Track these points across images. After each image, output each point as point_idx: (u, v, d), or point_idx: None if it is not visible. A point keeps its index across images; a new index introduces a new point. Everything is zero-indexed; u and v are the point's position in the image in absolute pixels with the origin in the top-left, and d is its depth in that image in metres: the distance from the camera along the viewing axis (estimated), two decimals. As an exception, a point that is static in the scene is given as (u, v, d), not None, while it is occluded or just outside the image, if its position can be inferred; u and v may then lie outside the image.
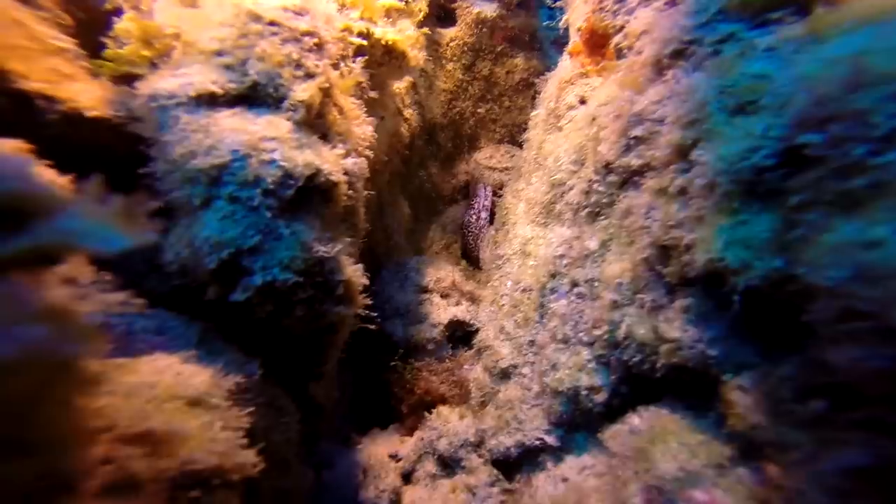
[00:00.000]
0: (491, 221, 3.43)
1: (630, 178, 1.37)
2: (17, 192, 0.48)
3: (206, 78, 1.15)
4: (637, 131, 1.29)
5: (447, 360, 2.48)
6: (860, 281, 0.63)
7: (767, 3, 1.08)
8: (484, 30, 3.53)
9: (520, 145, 3.66)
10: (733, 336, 0.93)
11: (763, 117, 0.85)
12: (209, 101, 1.13)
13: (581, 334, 1.59)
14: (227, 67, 1.19)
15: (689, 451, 0.95)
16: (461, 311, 2.52)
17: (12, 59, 1.10)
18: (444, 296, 2.59)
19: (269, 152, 1.10)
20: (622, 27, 1.69)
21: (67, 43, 1.27)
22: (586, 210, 1.65)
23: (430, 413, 2.19)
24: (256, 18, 1.27)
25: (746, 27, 1.12)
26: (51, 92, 1.14)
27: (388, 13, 2.24)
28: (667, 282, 1.15)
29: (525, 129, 3.57)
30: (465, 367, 2.46)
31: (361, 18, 1.94)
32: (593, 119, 1.70)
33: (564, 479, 1.46)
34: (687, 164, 1.04)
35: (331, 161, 1.25)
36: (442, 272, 2.64)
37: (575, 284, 1.67)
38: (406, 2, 2.46)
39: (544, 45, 3.85)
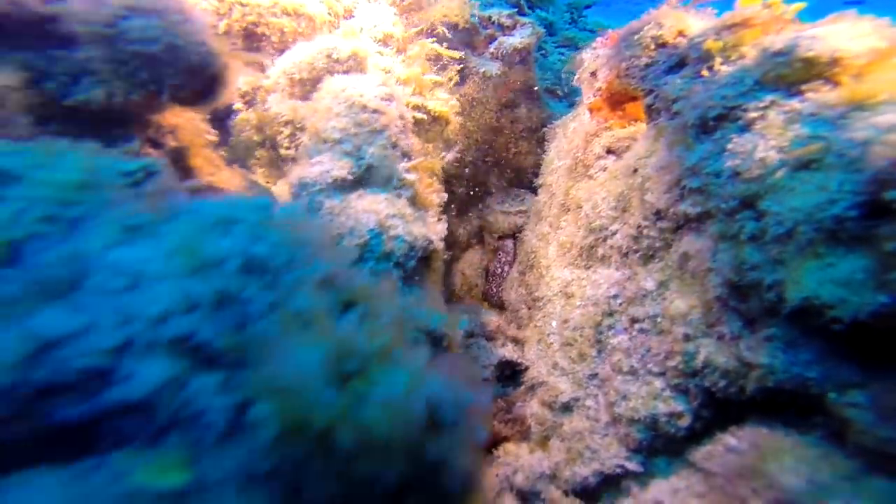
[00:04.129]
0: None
1: (686, 224, 1.57)
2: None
3: (337, 165, 1.32)
4: (691, 183, 1.49)
5: (500, 399, 2.58)
6: None
7: (800, 76, 1.32)
8: (490, 85, 3.81)
9: (529, 188, 3.91)
10: (829, 359, 1.10)
11: (833, 174, 1.05)
12: (342, 185, 1.30)
13: (650, 366, 1.74)
14: (348, 154, 1.37)
15: (810, 465, 1.08)
16: (508, 352, 2.65)
17: (194, 156, 1.25)
18: (489, 339, 2.72)
19: (395, 229, 1.26)
20: (651, 91, 1.94)
21: (213, 135, 1.44)
22: (638, 253, 1.84)
23: (494, 451, 2.27)
24: (364, 108, 1.46)
25: (784, 95, 1.35)
26: (216, 182, 1.30)
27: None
28: (743, 316, 1.33)
29: (534, 173, 3.83)
30: (518, 404, 2.56)
31: (414, 94, 2.16)
32: (635, 171, 1.93)
33: (658, 502, 1.57)
34: (755, 212, 1.23)
35: (434, 231, 1.41)
36: (485, 317, 2.78)
37: (635, 321, 1.84)
38: (437, 74, 2.73)
39: (542, 94, 4.18)
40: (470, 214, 4.03)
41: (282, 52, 1.90)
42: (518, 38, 3.82)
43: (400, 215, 1.30)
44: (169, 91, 1.10)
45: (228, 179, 1.45)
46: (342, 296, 0.59)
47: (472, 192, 4.07)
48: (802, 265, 1.06)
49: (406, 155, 1.50)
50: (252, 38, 1.87)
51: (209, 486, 0.47)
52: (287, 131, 1.72)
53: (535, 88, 4.07)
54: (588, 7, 8.08)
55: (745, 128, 1.36)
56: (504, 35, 3.89)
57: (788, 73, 1.30)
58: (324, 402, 0.44)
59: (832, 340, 1.10)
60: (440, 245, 1.40)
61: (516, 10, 4.35)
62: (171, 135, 1.28)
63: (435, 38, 2.86)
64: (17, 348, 0.46)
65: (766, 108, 1.32)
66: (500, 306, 3.54)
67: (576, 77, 2.90)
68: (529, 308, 2.89)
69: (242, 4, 1.77)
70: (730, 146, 1.36)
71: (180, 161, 1.33)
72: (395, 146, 1.48)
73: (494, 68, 3.69)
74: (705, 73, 1.66)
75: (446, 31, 2.76)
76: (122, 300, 0.52)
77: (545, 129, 3.72)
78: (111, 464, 0.48)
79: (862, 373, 1.07)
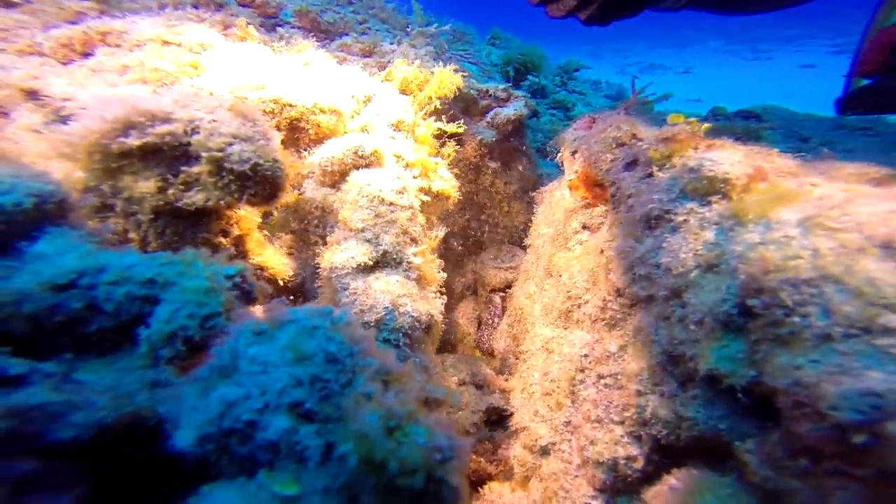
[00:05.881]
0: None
1: (638, 303, 1.95)
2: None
3: (360, 252, 1.70)
4: (640, 270, 1.88)
5: (487, 442, 2.88)
6: (797, 385, 1.18)
7: (707, 190, 1.72)
8: (485, 150, 4.30)
9: (519, 244, 4.32)
10: (734, 415, 1.45)
11: (724, 278, 1.44)
12: (363, 269, 1.68)
13: (612, 415, 2.07)
14: (369, 241, 1.76)
15: (723, 501, 1.42)
16: (495, 399, 2.97)
17: (249, 241, 1.63)
18: (479, 387, 3.05)
19: (404, 306, 1.63)
20: (614, 183, 2.36)
21: (258, 215, 1.82)
22: (603, 322, 2.21)
23: (481, 490, 2.56)
24: (382, 202, 1.86)
25: (699, 204, 1.75)
26: (260, 262, 1.67)
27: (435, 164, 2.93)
28: (677, 378, 1.69)
29: (524, 231, 4.27)
30: (503, 446, 2.86)
31: (421, 176, 2.58)
32: (601, 251, 2.33)
33: (617, 535, 1.87)
34: (681, 301, 1.61)
35: (435, 306, 1.78)
36: (475, 367, 3.12)
37: (601, 377, 2.18)
38: (438, 150, 3.18)
39: (533, 157, 4.68)
40: (465, 269, 4.43)
41: (317, 141, 2.33)
42: (512, 110, 4.34)
43: (408, 295, 1.67)
44: (246, 197, 1.49)
45: (271, 258, 1.83)
46: (385, 378, 0.95)
47: (467, 247, 4.49)
48: (709, 344, 1.44)
49: (414, 240, 1.88)
50: (294, 130, 2.30)
51: (308, 495, 0.82)
52: (317, 213, 2.11)
53: (527, 152, 4.56)
54: (577, 70, 8.80)
55: (675, 229, 1.76)
56: (499, 106, 4.42)
57: (699, 187, 1.71)
58: (380, 445, 0.79)
59: (736, 400, 1.46)
60: (439, 318, 1.77)
61: (510, 84, 4.92)
62: (236, 224, 1.67)
63: (436, 115, 3.34)
64: (216, 408, 0.82)
65: (687, 213, 1.73)
66: (490, 354, 3.89)
67: (558, 155, 3.36)
68: (516, 358, 3.23)
69: (291, 106, 2.20)
70: (664, 244, 1.76)
71: (240, 245, 1.71)
72: (405, 233, 1.86)
73: (490, 136, 4.19)
74: (656, 172, 2.08)
75: (440, 104, 3.24)
76: (260, 379, 0.88)
77: (535, 192, 4.17)
78: (258, 480, 0.83)
79: (755, 425, 1.43)
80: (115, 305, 0.98)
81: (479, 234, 4.59)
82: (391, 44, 4.47)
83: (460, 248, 4.55)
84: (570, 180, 3.02)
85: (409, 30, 5.27)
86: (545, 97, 7.56)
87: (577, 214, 2.81)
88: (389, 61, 3.75)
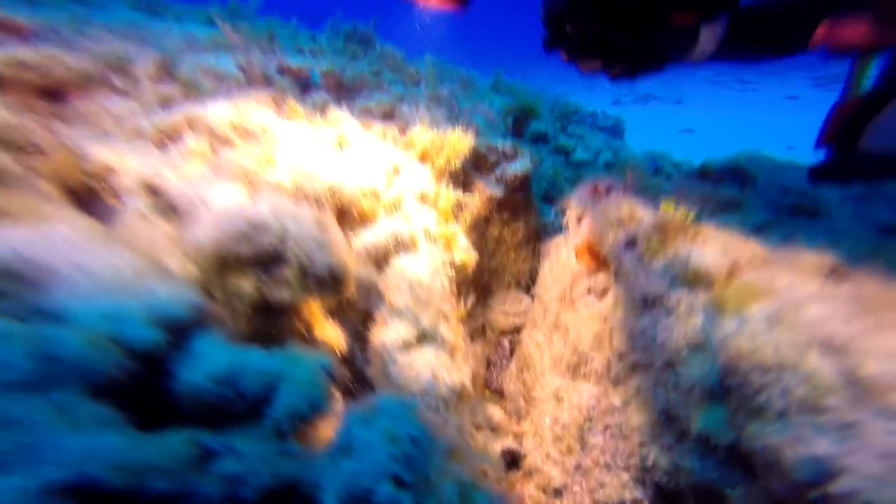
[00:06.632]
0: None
1: (638, 368, 2.29)
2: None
3: (403, 330, 2.05)
4: (639, 343, 2.23)
5: (503, 482, 3.17)
6: (765, 449, 1.51)
7: (694, 279, 2.09)
8: (494, 204, 4.68)
9: (525, 290, 4.67)
10: (723, 466, 1.78)
11: (708, 358, 1.80)
12: (407, 345, 2.02)
13: (619, 461, 2.38)
14: (409, 321, 2.11)
15: None
16: (510, 442, 3.27)
17: (315, 324, 1.97)
18: (493, 430, 3.35)
19: (442, 377, 1.97)
20: (616, 260, 2.72)
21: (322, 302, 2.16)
22: (609, 378, 2.54)
23: (500, 530, 2.84)
24: (420, 285, 2.22)
25: (688, 292, 2.10)
26: (325, 339, 2.01)
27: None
28: (674, 433, 2.02)
29: (531, 278, 4.62)
30: (518, 486, 3.15)
31: (446, 249, 2.95)
32: (605, 318, 2.68)
33: (624, 571, 2.16)
34: (675, 372, 1.96)
35: (465, 374, 2.13)
36: (489, 410, 3.43)
37: (607, 427, 2.50)
38: (456, 217, 3.58)
39: (537, 207, 5.07)
40: (475, 313, 4.77)
41: (360, 222, 2.70)
42: (519, 166, 4.75)
43: (444, 366, 2.01)
44: (321, 293, 1.85)
45: (330, 332, 2.17)
46: (450, 452, 1.29)
47: (476, 295, 4.84)
48: (698, 410, 1.78)
49: (445, 317, 2.24)
50: (342, 213, 2.67)
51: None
52: (363, 291, 2.46)
53: (532, 203, 4.96)
54: (575, 112, 9.33)
55: (669, 312, 2.11)
56: (507, 162, 4.84)
57: (687, 277, 2.08)
58: (461, 509, 1.13)
59: (726, 453, 1.79)
60: (469, 385, 2.11)
61: (511, 134, 5.33)
62: (307, 310, 2.02)
63: (452, 178, 3.72)
64: (347, 477, 1.16)
65: (679, 299, 2.09)
66: (500, 394, 4.20)
67: (563, 220, 3.74)
68: (526, 402, 3.54)
69: (341, 193, 2.57)
70: (660, 324, 2.11)
71: (308, 325, 2.06)
72: (438, 311, 2.22)
73: (499, 190, 4.58)
74: (651, 258, 2.44)
75: (458, 163, 3.64)
76: (370, 455, 1.23)
77: (539, 240, 4.52)
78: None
79: (742, 476, 1.75)
80: (252, 392, 1.32)
81: (487, 280, 4.94)
82: (408, 108, 4.91)
83: (470, 295, 4.89)
84: (576, 247, 3.40)
85: (419, 84, 5.75)
86: (547, 143, 8.02)
87: (583, 279, 3.17)
88: (408, 124, 4.17)
